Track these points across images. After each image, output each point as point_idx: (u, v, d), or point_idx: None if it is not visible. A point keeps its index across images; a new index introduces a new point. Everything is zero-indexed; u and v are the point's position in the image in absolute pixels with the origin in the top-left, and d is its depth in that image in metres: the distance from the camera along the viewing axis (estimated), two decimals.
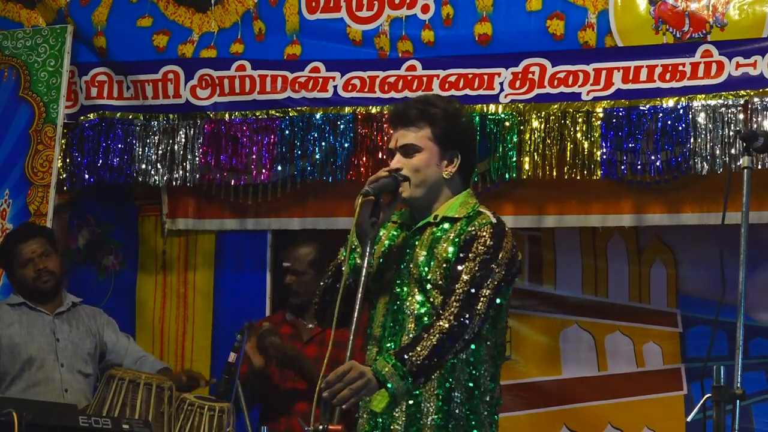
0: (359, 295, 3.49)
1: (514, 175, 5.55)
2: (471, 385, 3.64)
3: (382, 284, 3.74)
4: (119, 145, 6.22)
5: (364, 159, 5.81)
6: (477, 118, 5.47)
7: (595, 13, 5.42)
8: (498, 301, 3.62)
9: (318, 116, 5.87)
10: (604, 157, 5.40)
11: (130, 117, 6.22)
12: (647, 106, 5.34)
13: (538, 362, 6.00)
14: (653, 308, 5.85)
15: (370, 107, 5.79)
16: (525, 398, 5.96)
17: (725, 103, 5.22)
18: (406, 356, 3.44)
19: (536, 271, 5.99)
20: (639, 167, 5.39)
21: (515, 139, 5.53)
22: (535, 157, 5.52)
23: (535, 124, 5.51)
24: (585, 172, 5.45)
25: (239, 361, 4.96)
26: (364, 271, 3.53)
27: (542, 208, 5.74)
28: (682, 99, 5.29)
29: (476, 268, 3.58)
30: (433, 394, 3.61)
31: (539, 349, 6.00)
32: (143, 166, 6.17)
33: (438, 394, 3.61)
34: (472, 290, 3.55)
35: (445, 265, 3.62)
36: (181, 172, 6.12)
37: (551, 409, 5.98)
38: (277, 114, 5.96)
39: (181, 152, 6.12)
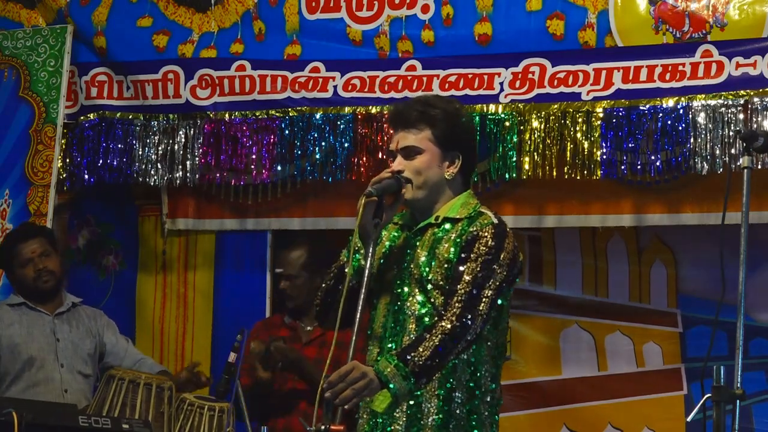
0: (362, 297, 3.49)
1: (514, 175, 5.55)
2: (472, 385, 3.64)
3: (383, 285, 3.74)
4: (119, 145, 6.21)
5: (364, 159, 5.80)
6: (477, 118, 5.47)
7: (595, 13, 5.42)
8: (499, 301, 3.63)
9: (318, 116, 5.87)
10: (604, 157, 5.40)
11: (130, 117, 6.22)
12: (647, 106, 5.34)
13: (538, 362, 6.00)
14: (653, 308, 5.85)
15: (370, 107, 5.78)
16: (525, 398, 5.96)
17: (725, 103, 5.22)
18: (408, 357, 3.45)
19: (536, 271, 5.99)
20: (639, 167, 5.39)
21: (515, 139, 5.53)
22: (535, 157, 5.52)
23: (535, 124, 5.51)
24: (585, 172, 5.45)
25: (239, 361, 4.96)
26: (366, 272, 3.53)
27: (542, 208, 5.74)
28: (682, 99, 5.29)
29: (478, 269, 3.58)
30: (434, 394, 3.61)
31: (539, 349, 6.00)
32: (143, 166, 6.17)
33: (439, 395, 3.61)
34: (474, 291, 3.55)
35: (446, 266, 3.63)
36: (181, 172, 6.12)
37: (551, 409, 5.98)
38: (277, 114, 5.96)
39: (181, 152, 6.12)
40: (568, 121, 5.46)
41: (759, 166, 4.95)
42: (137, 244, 6.56)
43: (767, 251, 5.49)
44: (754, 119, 5.17)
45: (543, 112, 5.49)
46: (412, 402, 3.60)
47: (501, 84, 5.57)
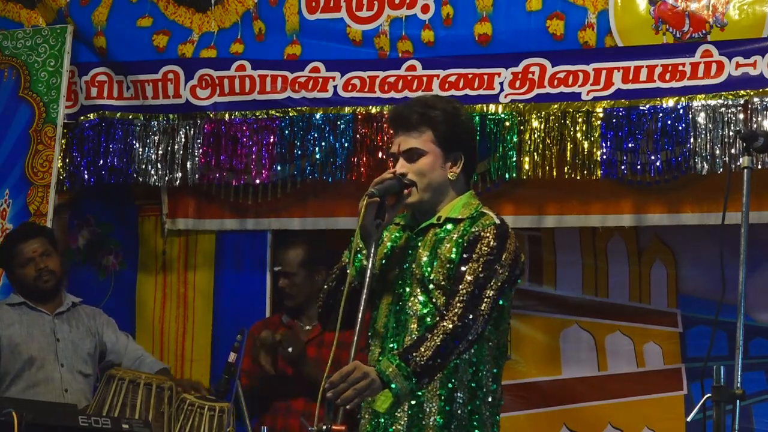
0: (363, 298, 3.49)
1: (514, 175, 5.55)
2: (473, 385, 3.65)
3: (385, 285, 3.74)
4: (119, 145, 6.21)
5: (364, 159, 5.80)
6: (477, 118, 5.47)
7: (595, 13, 5.42)
8: (500, 302, 3.63)
9: (318, 116, 5.87)
10: (604, 157, 5.40)
11: (130, 117, 6.22)
12: (647, 106, 5.34)
13: (538, 362, 6.00)
14: (653, 308, 5.85)
15: (370, 107, 5.78)
16: (525, 398, 5.96)
17: (725, 103, 5.22)
18: (410, 357, 3.46)
19: (536, 271, 5.99)
20: (639, 167, 5.39)
21: (515, 139, 5.53)
22: (535, 157, 5.52)
23: (535, 124, 5.51)
24: (585, 172, 5.45)
25: (239, 361, 4.96)
26: (368, 273, 3.53)
27: (542, 208, 5.74)
28: (682, 99, 5.29)
29: (480, 269, 3.59)
30: (436, 394, 3.62)
31: (539, 349, 6.00)
32: (143, 166, 6.17)
33: (440, 395, 3.62)
34: (476, 291, 3.56)
35: (448, 266, 3.63)
36: (181, 172, 6.12)
37: (551, 409, 5.98)
38: (277, 114, 5.96)
39: (181, 152, 6.12)
40: (568, 121, 5.46)
41: (759, 166, 4.95)
42: (137, 244, 6.56)
43: (767, 251, 5.49)
44: (754, 119, 5.17)
45: (543, 112, 5.49)
46: (413, 402, 3.61)
47: (501, 84, 5.57)
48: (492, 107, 5.57)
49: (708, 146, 5.24)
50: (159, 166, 6.15)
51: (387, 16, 5.78)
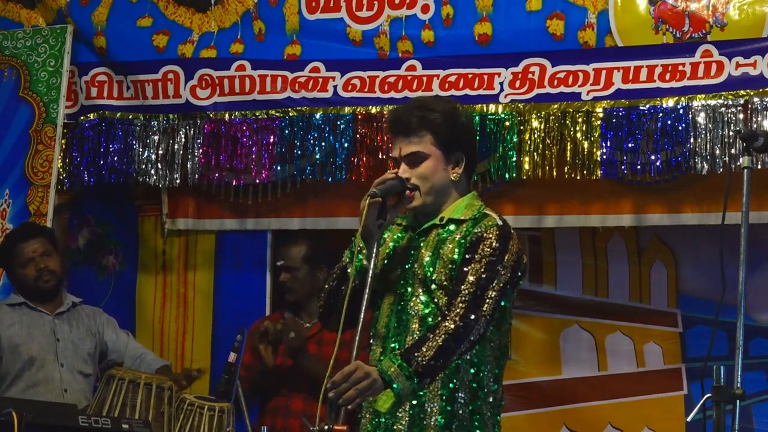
0: (365, 298, 3.50)
1: (514, 175, 5.55)
2: (475, 386, 3.65)
3: (386, 285, 3.75)
4: (119, 145, 6.21)
5: (364, 159, 5.80)
6: (477, 118, 5.47)
7: (595, 13, 5.42)
8: (502, 303, 3.64)
9: (318, 116, 5.87)
10: (604, 157, 5.40)
11: (130, 117, 6.22)
12: (647, 106, 5.34)
13: (538, 362, 6.00)
14: (653, 308, 5.85)
15: (370, 107, 5.79)
16: (525, 398, 5.96)
17: (725, 103, 5.22)
18: (412, 357, 3.46)
19: (536, 271, 5.98)
20: (639, 167, 5.39)
21: (515, 139, 5.53)
22: (535, 157, 5.52)
23: (535, 124, 5.51)
24: (585, 172, 5.45)
25: (239, 361, 4.96)
26: (369, 273, 3.53)
27: (542, 208, 5.74)
28: (682, 99, 5.29)
29: (482, 270, 3.59)
30: (437, 394, 3.62)
31: (539, 349, 6.00)
32: (143, 166, 6.17)
33: (442, 395, 3.62)
34: (478, 292, 3.56)
35: (450, 266, 3.64)
36: (181, 172, 6.12)
37: (551, 409, 5.98)
38: (277, 114, 5.96)
39: (181, 152, 6.12)
40: (568, 121, 5.46)
41: (759, 166, 4.95)
42: (137, 244, 6.56)
43: (767, 251, 5.49)
44: (754, 119, 5.17)
45: (543, 112, 5.50)
46: (415, 402, 3.61)
47: (501, 84, 5.57)
48: (492, 107, 5.58)
49: (708, 146, 5.24)
50: (159, 166, 6.15)
51: (387, 16, 5.78)
